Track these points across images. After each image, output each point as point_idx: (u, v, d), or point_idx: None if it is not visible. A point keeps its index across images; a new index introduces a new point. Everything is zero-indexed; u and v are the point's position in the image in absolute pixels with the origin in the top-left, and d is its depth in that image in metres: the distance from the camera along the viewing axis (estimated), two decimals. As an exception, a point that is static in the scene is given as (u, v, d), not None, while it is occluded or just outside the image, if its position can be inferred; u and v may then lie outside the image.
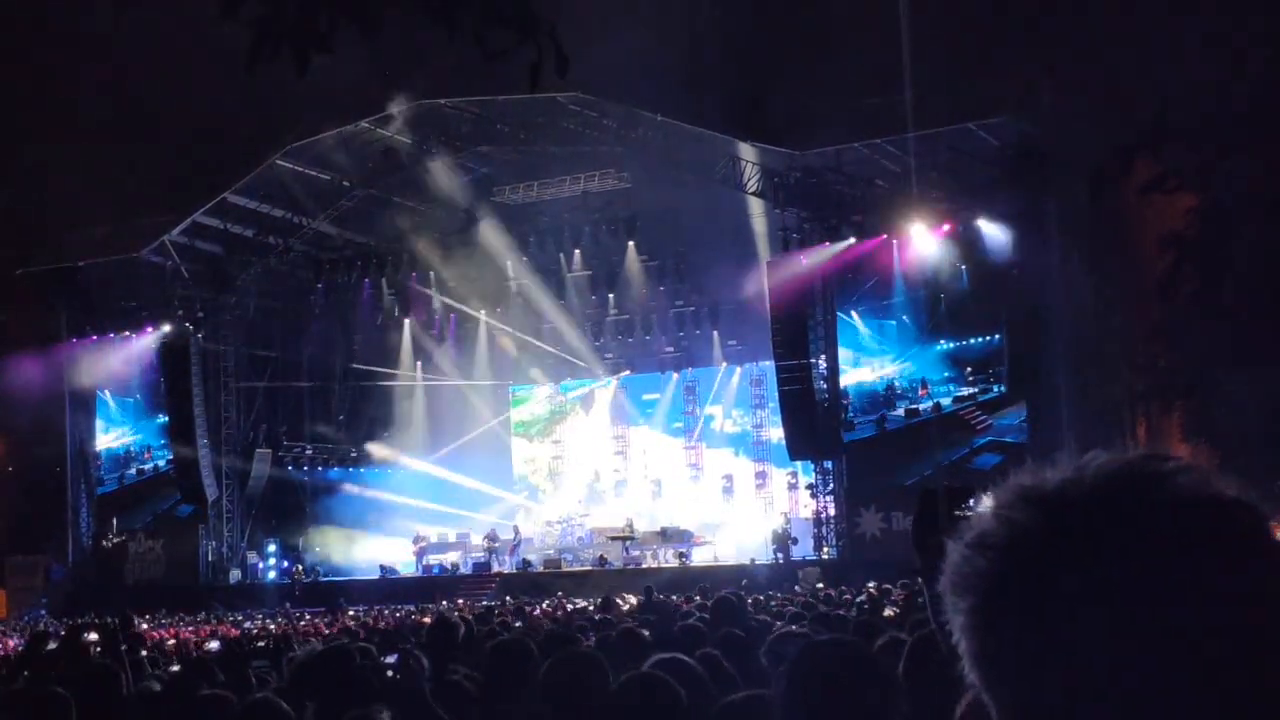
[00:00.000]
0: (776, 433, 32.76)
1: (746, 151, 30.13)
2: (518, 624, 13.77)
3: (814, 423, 30.47)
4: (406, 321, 38.33)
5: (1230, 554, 1.03)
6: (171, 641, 16.04)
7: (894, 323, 30.32)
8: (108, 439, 38.98)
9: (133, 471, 38.61)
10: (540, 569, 32.59)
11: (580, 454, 38.19)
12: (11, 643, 18.87)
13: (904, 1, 22.71)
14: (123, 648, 7.41)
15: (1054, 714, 1.02)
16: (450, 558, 34.92)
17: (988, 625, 1.07)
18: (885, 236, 29.72)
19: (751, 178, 30.52)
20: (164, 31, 30.43)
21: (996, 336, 28.71)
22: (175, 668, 8.80)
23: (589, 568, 31.96)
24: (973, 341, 29.23)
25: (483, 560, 34.12)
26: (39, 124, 32.70)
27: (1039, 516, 1.06)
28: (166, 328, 36.80)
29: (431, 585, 32.10)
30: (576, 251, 35.15)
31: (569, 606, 20.22)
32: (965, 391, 29.33)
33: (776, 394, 31.45)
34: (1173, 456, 1.09)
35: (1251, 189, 21.75)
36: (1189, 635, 0.99)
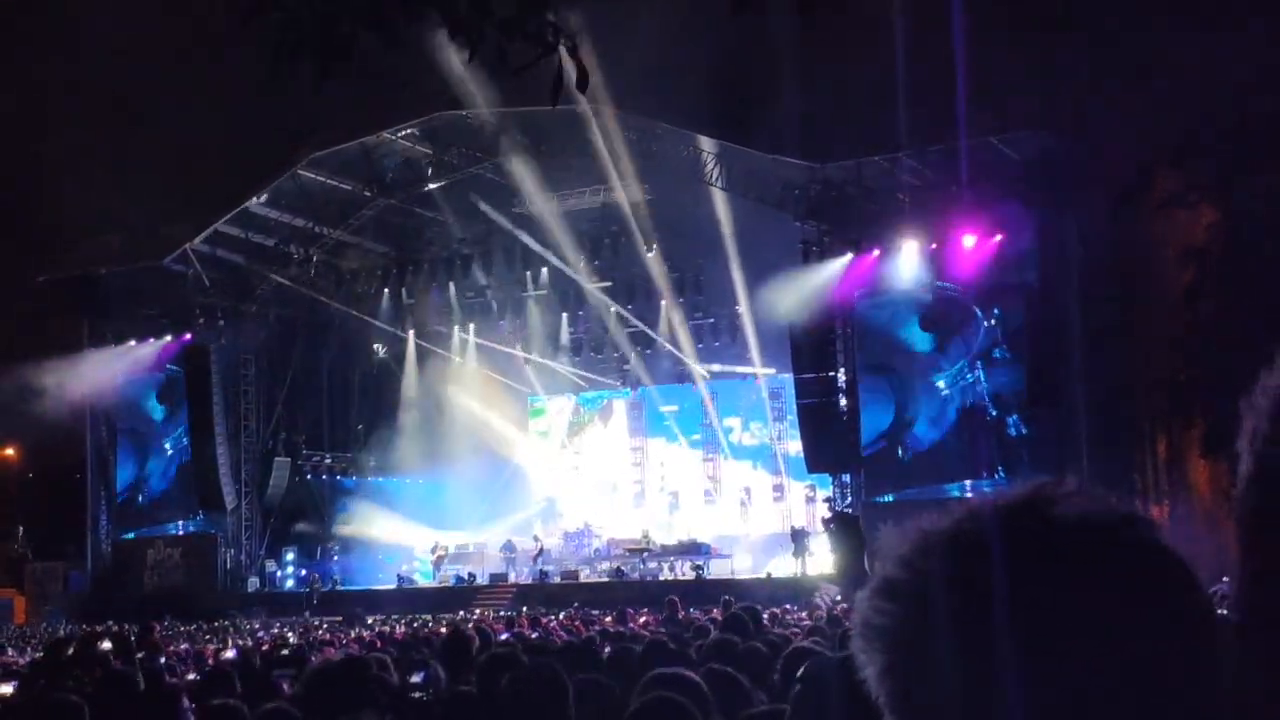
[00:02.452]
0: (795, 445, 32.69)
1: (763, 161, 30.11)
2: (534, 636, 13.76)
3: (833, 435, 30.43)
4: (426, 331, 38.35)
5: (1121, 574, 1.02)
6: (189, 649, 16.06)
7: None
8: (128, 447, 39.07)
9: (152, 479, 38.72)
10: (557, 580, 32.57)
11: (598, 465, 38.18)
12: (32, 651, 18.93)
13: (927, 16, 22.70)
14: (139, 655, 7.42)
15: None
16: (468, 567, 34.91)
17: (898, 674, 1.06)
18: (906, 250, 29.66)
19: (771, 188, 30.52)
20: (187, 39, 30.57)
21: (1011, 351, 28.62)
22: (192, 675, 8.81)
23: (606, 579, 31.91)
24: (994, 355, 29.14)
25: (500, 570, 34.15)
26: (60, 131, 32.85)
27: (935, 560, 1.05)
28: (187, 336, 36.96)
29: (449, 595, 32.12)
30: (596, 262, 35.12)
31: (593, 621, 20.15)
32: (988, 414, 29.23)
33: (795, 406, 31.43)
34: (1062, 484, 1.07)
35: (1270, 204, 21.69)
36: (1091, 666, 0.99)
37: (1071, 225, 27.19)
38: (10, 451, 44.15)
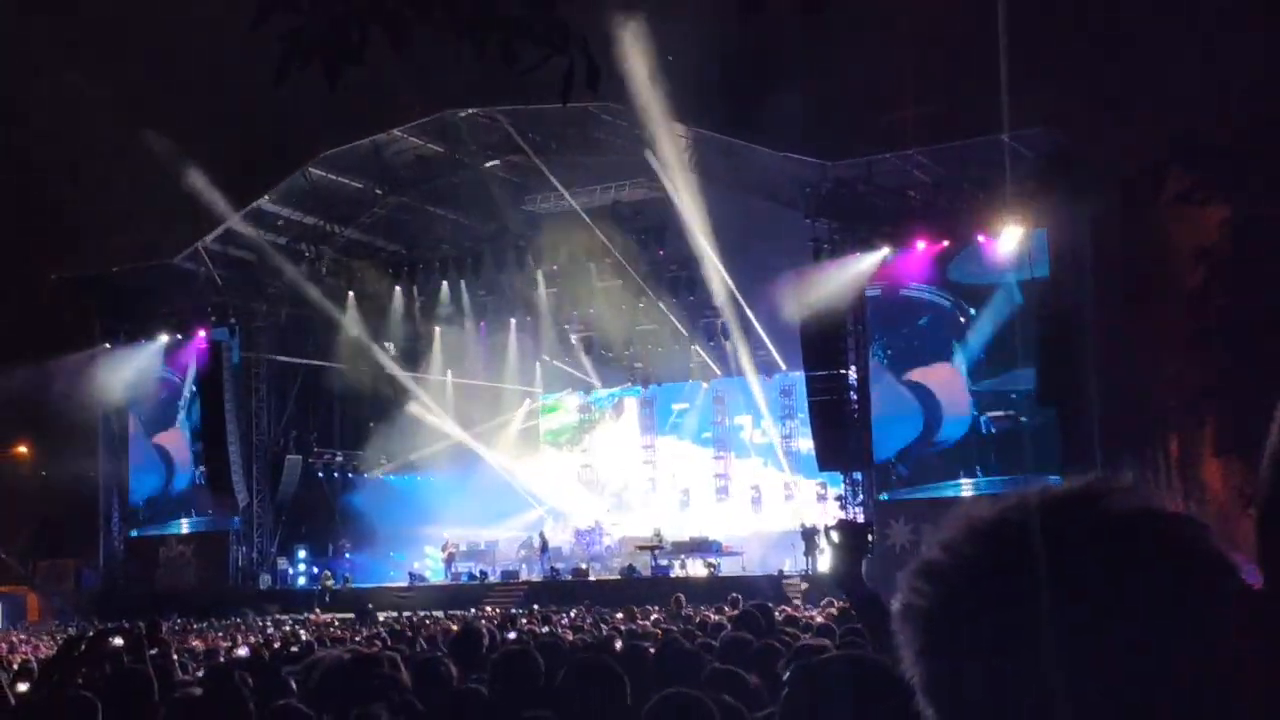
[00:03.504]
0: (806, 443, 32.66)
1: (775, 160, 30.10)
2: (544, 630, 13.79)
3: (844, 434, 30.40)
4: (437, 330, 38.37)
5: (1168, 568, 1.04)
6: (200, 646, 16.11)
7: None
8: (140, 445, 39.14)
9: (164, 478, 38.78)
10: (568, 577, 32.59)
11: (609, 463, 38.20)
12: (42, 647, 18.99)
13: (937, 13, 22.68)
14: (151, 652, 7.43)
15: None
16: (479, 565, 34.97)
17: (933, 654, 1.07)
18: (917, 247, 29.65)
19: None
20: (197, 36, 30.59)
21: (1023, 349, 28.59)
22: (201, 673, 8.83)
23: (617, 576, 31.92)
24: (1005, 353, 29.13)
25: (512, 567, 34.18)
26: (71, 128, 32.88)
27: (982, 546, 1.07)
28: (200, 334, 37.03)
29: (460, 592, 32.16)
30: (607, 260, 35.06)
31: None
32: (999, 413, 29.22)
33: (807, 405, 31.41)
34: (1117, 481, 1.09)
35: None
36: (1126, 654, 1.00)
37: (1084, 224, 27.12)
38: (23, 449, 44.21)
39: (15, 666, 11.60)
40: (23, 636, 24.77)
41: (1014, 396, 28.87)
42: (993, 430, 29.25)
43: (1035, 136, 27.13)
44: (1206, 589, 1.04)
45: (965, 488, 28.63)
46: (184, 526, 38.32)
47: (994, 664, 1.04)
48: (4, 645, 19.80)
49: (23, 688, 7.28)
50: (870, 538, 25.78)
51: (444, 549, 36.03)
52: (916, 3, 24.62)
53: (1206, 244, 24.64)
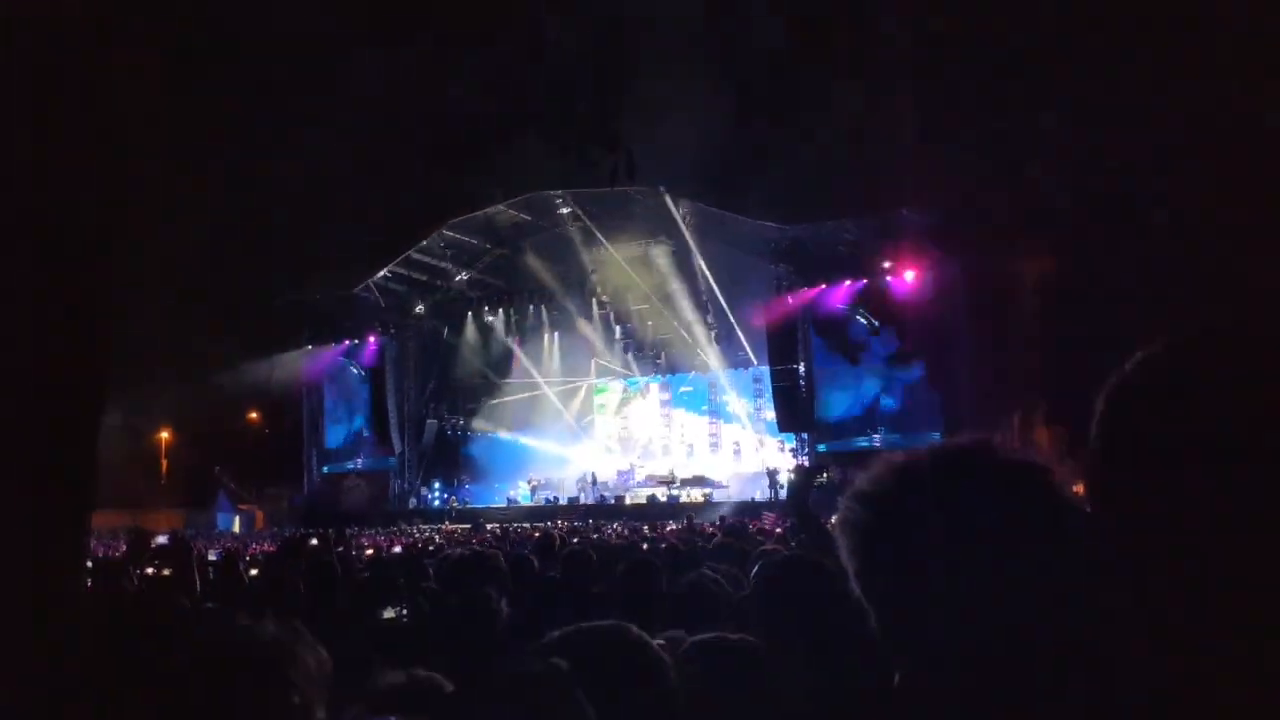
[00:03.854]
0: (770, 413, 32.59)
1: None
2: (595, 536, 13.79)
3: (796, 408, 30.36)
4: (525, 338, 38.44)
5: (1024, 494, 1.04)
6: (370, 550, 16.19)
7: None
8: (331, 411, 39.42)
9: (347, 433, 39.03)
10: (612, 502, 32.60)
11: (639, 427, 38.12)
12: (266, 545, 19.12)
13: (859, 123, 22.58)
14: (338, 550, 7.46)
15: (910, 612, 1.03)
16: (553, 493, 35.03)
17: (864, 553, 1.08)
18: (848, 283, 29.59)
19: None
20: (365, 136, 30.55)
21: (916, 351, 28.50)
22: (369, 564, 8.86)
23: (644, 502, 31.92)
24: (904, 354, 29.04)
25: (575, 495, 34.24)
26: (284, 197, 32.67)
27: (896, 479, 1.07)
28: (371, 339, 37.23)
29: (540, 511, 32.22)
30: (640, 290, 35.07)
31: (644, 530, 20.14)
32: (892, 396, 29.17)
33: (770, 388, 31.39)
34: (990, 440, 1.10)
35: (1097, 252, 21.43)
36: (996, 554, 1.00)
37: (957, 268, 27.03)
38: (254, 415, 44.59)
39: (248, 558, 11.71)
40: (252, 539, 24.96)
41: (909, 383, 28.81)
42: (891, 404, 29.21)
43: (924, 209, 27.04)
44: (1050, 508, 1.05)
45: (876, 442, 28.60)
46: (359, 465, 38.54)
47: (902, 560, 1.04)
48: (241, 545, 19.95)
49: (254, 572, 7.33)
50: (823, 477, 25.78)
51: (529, 482, 36.08)
52: (846, 114, 24.46)
53: (1042, 283, 24.51)
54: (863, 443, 28.82)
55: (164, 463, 44.68)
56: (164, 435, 44.63)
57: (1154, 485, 0.99)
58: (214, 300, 33.73)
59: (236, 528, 37.43)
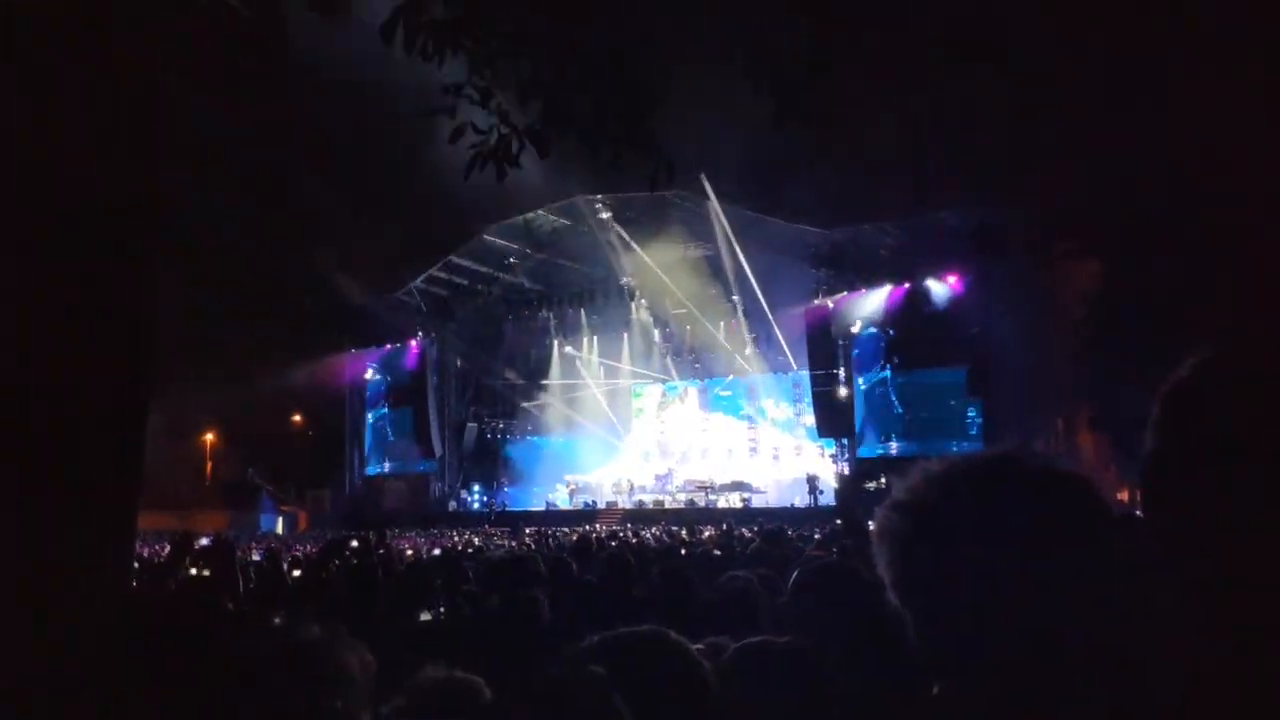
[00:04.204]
0: (809, 419, 32.41)
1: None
2: (633, 540, 13.79)
3: (835, 413, 30.18)
4: (565, 342, 38.57)
5: (1062, 505, 1.04)
6: (410, 550, 16.28)
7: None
8: (371, 414, 39.78)
9: (388, 436, 39.37)
10: (650, 506, 32.58)
11: (677, 431, 38.11)
12: (309, 547, 19.32)
13: (900, 129, 22.38)
14: (379, 551, 7.52)
15: (947, 621, 1.03)
16: (591, 496, 35.08)
17: (901, 562, 1.07)
18: (888, 288, 29.36)
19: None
20: (410, 148, 30.73)
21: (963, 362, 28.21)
22: (407, 565, 8.92)
23: (682, 506, 31.87)
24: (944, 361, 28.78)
25: (612, 499, 34.25)
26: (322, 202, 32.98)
27: (932, 488, 1.07)
28: (412, 343, 37.52)
29: (579, 514, 32.28)
30: (678, 294, 35.03)
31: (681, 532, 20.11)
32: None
33: (810, 393, 31.22)
34: (1025, 448, 1.10)
35: (1140, 256, 21.12)
36: (1032, 563, 1.00)
37: (1000, 271, 26.72)
38: (298, 417, 45.14)
39: (290, 559, 11.84)
40: (295, 541, 25.23)
41: (948, 389, 28.53)
42: (927, 411, 29.01)
43: (965, 213, 26.78)
44: (1085, 515, 1.04)
45: (912, 449, 28.32)
46: (400, 468, 38.85)
47: (939, 569, 1.03)
48: (284, 546, 20.17)
49: (296, 573, 7.41)
50: (875, 483, 25.64)
51: (567, 485, 36.17)
52: (885, 120, 24.28)
53: (1084, 287, 24.18)
54: (911, 449, 28.50)
55: (209, 465, 45.35)
56: (209, 438, 45.30)
57: (1209, 489, 1.00)
58: (258, 304, 34.20)
59: (280, 529, 37.89)
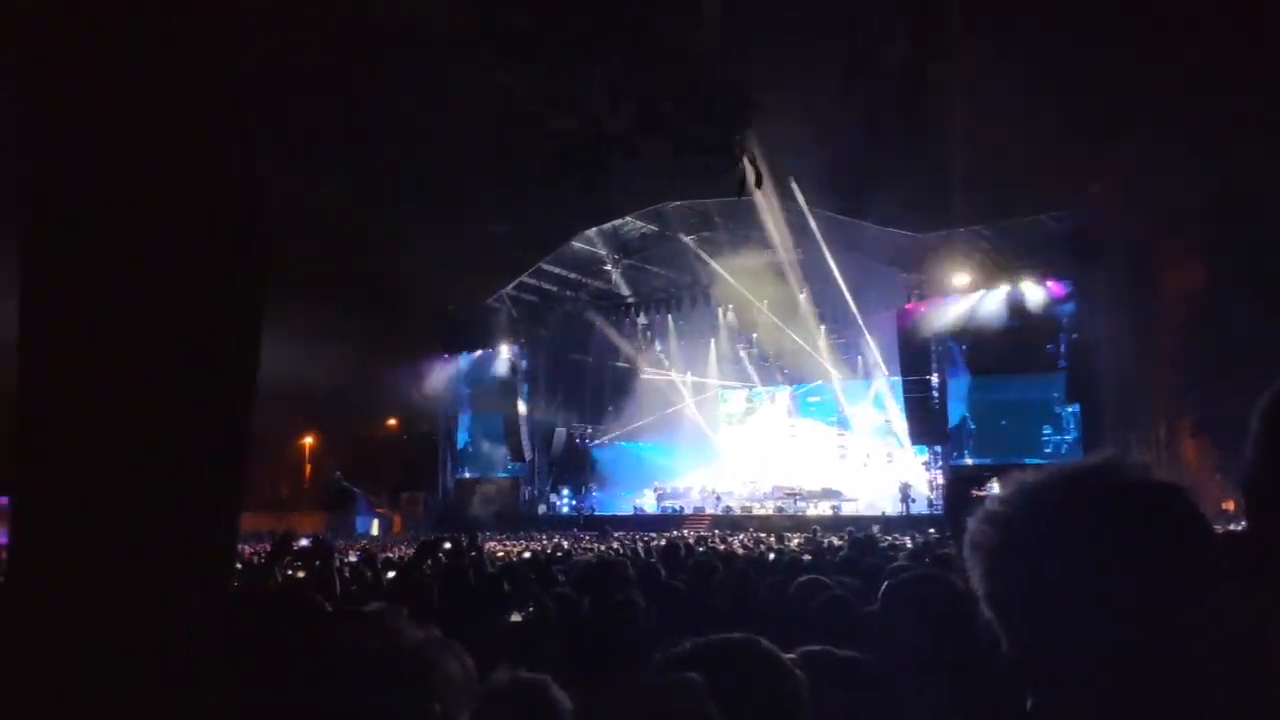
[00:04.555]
0: (901, 425, 31.88)
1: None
2: (721, 547, 13.73)
3: (928, 419, 29.66)
4: (653, 347, 38.63)
5: (1161, 521, 1.00)
6: (500, 552, 16.50)
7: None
8: (465, 418, 40.42)
9: (480, 440, 39.96)
10: (737, 512, 32.42)
11: (765, 437, 37.82)
12: (402, 549, 19.72)
13: (995, 129, 21.93)
14: (471, 554, 7.63)
15: (1040, 636, 1.00)
16: (678, 502, 35.04)
17: (993, 575, 1.05)
18: (983, 292, 28.74)
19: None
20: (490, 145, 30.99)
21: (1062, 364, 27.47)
22: (498, 568, 9.03)
23: (770, 513, 31.63)
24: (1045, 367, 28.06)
25: (700, 505, 34.17)
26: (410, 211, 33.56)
27: (1025, 499, 1.04)
28: (503, 349, 38.04)
29: (665, 520, 32.28)
30: (764, 301, 34.78)
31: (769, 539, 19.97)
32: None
33: (903, 399, 30.70)
34: (1132, 459, 1.06)
35: (1245, 259, 20.30)
36: (1127, 577, 0.97)
37: (1099, 274, 25.92)
38: (393, 421, 46.13)
39: (383, 560, 12.09)
40: (389, 543, 25.78)
41: (1049, 397, 27.87)
42: (1029, 419, 28.27)
43: (1062, 216, 26.08)
44: (1183, 528, 1.01)
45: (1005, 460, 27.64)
46: (491, 472, 39.39)
47: (1032, 583, 1.01)
48: (378, 548, 20.63)
49: (390, 575, 7.56)
50: (985, 489, 25.15)
51: (655, 490, 36.22)
52: (977, 120, 23.77)
53: (1187, 289, 23.35)
54: (1007, 457, 27.81)
55: (308, 467, 46.67)
56: (308, 441, 46.62)
57: None
58: (355, 311, 35.07)
59: (375, 531, 38.77)
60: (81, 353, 2.31)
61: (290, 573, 5.76)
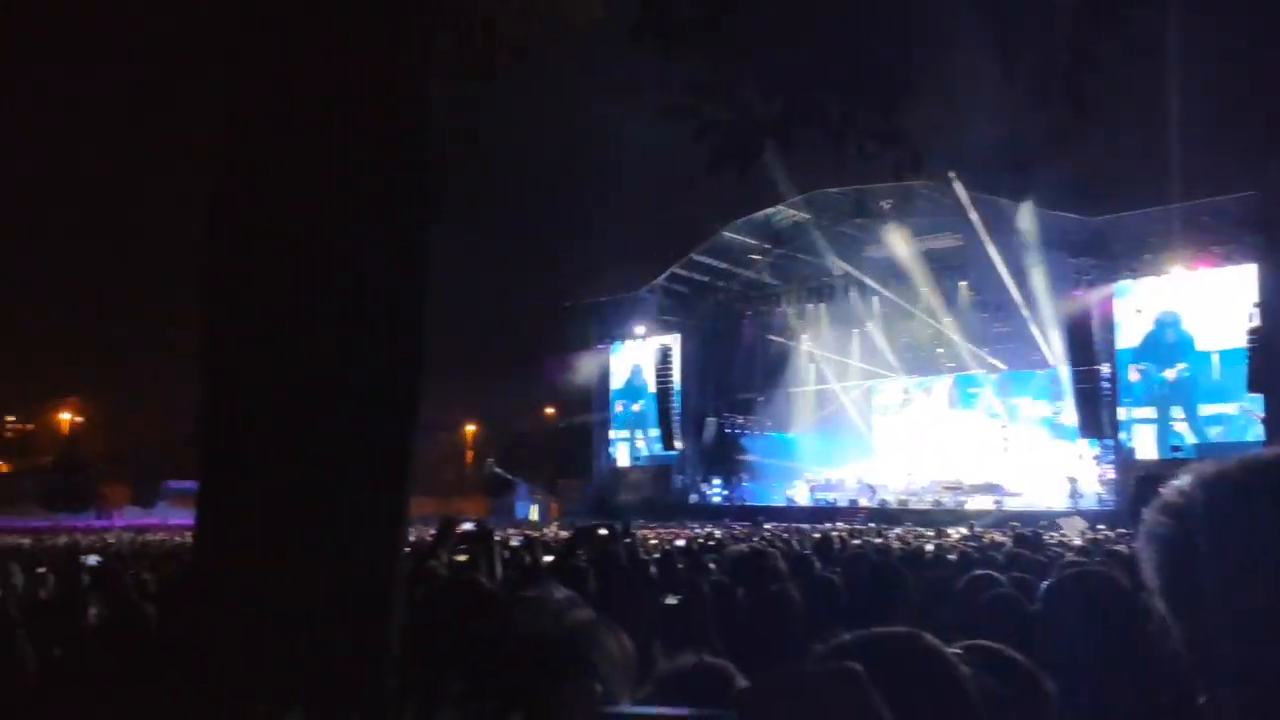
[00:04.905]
0: (1069, 418, 30.52)
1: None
2: (877, 541, 13.48)
3: (1098, 411, 28.35)
4: (804, 337, 38.16)
5: None
6: (654, 539, 16.68)
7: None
8: (618, 406, 41.01)
9: (634, 429, 40.48)
10: (894, 506, 31.74)
11: (923, 428, 36.89)
12: (561, 533, 20.19)
13: (1169, 110, 20.66)
14: (626, 541, 7.75)
15: (1217, 634, 0.96)
16: (831, 494, 34.60)
17: (1169, 569, 1.02)
18: (1153, 278, 27.20)
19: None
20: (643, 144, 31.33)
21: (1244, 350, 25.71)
22: (655, 555, 9.13)
23: (928, 507, 30.83)
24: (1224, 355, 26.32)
25: (854, 497, 33.64)
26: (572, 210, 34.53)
27: (1205, 490, 0.99)
28: (654, 339, 38.39)
29: (819, 511, 31.91)
30: (923, 289, 33.84)
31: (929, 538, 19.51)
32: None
33: (1072, 389, 29.35)
34: None
35: None
36: None
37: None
38: (550, 410, 47.28)
39: (541, 545, 12.36)
40: (547, 527, 26.43)
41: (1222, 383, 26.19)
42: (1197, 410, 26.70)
43: (1244, 199, 24.38)
44: None
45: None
46: (644, 461, 39.84)
47: (1210, 576, 0.98)
48: (537, 532, 21.19)
49: (547, 559, 7.76)
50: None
51: (807, 482, 35.88)
52: (1154, 102, 22.45)
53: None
54: (1186, 450, 26.26)
55: (469, 455, 48.37)
56: (470, 429, 48.29)
57: None
58: (514, 304, 36.12)
59: (534, 516, 39.86)
60: (262, 371, 2.48)
61: (454, 556, 5.98)
